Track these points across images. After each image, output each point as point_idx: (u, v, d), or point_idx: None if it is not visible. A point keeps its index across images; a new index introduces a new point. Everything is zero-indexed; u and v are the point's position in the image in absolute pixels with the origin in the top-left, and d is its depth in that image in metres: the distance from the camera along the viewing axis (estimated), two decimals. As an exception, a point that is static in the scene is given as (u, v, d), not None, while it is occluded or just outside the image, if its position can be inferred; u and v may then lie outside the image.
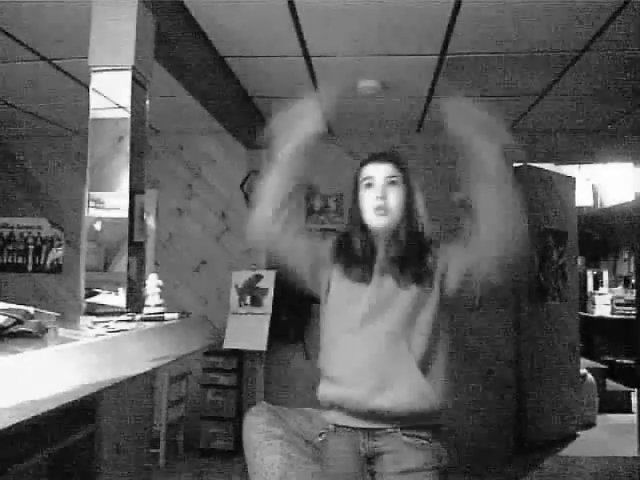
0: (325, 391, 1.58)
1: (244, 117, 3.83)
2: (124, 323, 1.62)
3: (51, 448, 1.41)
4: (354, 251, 1.61)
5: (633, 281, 5.95)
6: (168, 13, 2.35)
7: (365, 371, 1.48)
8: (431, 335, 1.52)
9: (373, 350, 1.49)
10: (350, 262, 1.59)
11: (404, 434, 1.48)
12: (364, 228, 1.61)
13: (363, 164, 1.65)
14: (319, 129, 1.57)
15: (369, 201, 1.59)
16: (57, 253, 4.68)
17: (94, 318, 1.67)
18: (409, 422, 1.48)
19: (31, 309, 1.35)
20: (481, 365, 4.26)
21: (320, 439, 1.63)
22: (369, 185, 1.59)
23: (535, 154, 4.50)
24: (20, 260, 4.70)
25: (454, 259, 1.55)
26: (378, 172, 1.59)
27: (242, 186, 4.43)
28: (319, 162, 4.56)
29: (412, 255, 1.56)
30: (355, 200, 1.64)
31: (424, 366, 1.49)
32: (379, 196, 1.57)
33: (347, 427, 1.53)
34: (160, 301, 2.02)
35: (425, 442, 1.48)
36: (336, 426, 1.56)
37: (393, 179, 1.59)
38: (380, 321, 1.51)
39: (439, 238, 1.65)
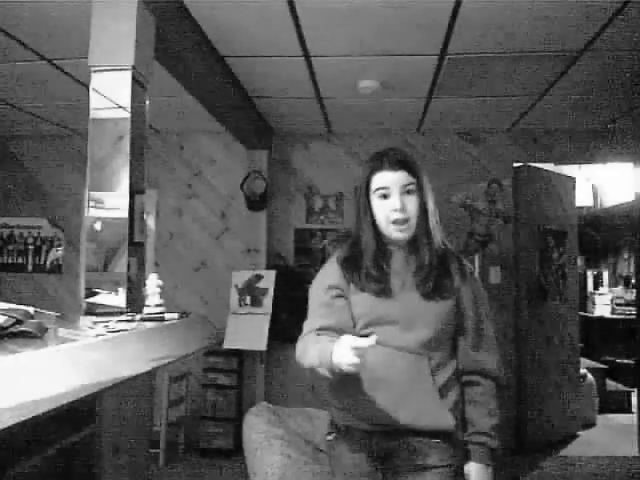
0: (340, 395, 1.54)
1: (244, 117, 3.83)
2: (124, 323, 1.61)
3: (51, 448, 1.41)
4: (367, 264, 1.52)
5: (633, 281, 5.94)
6: (168, 13, 2.35)
7: (384, 386, 1.45)
8: (450, 354, 1.52)
9: (396, 367, 1.46)
10: (365, 276, 1.51)
11: (417, 434, 1.46)
12: (377, 237, 1.54)
13: (374, 171, 1.53)
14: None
15: (386, 213, 1.50)
16: (57, 253, 4.68)
17: (94, 318, 1.67)
18: (422, 433, 1.47)
19: (31, 309, 1.35)
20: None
21: (330, 438, 1.59)
22: (384, 196, 1.50)
23: (535, 154, 4.50)
24: (20, 260, 4.70)
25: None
26: (393, 181, 1.50)
27: (242, 186, 4.42)
28: (319, 162, 4.58)
29: (437, 266, 1.51)
30: (366, 210, 1.54)
31: (442, 388, 1.47)
32: (398, 208, 1.48)
33: (359, 429, 1.50)
34: (160, 301, 2.01)
35: (439, 441, 1.46)
36: (347, 427, 1.53)
37: (409, 187, 1.50)
38: (407, 338, 1.46)
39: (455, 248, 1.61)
